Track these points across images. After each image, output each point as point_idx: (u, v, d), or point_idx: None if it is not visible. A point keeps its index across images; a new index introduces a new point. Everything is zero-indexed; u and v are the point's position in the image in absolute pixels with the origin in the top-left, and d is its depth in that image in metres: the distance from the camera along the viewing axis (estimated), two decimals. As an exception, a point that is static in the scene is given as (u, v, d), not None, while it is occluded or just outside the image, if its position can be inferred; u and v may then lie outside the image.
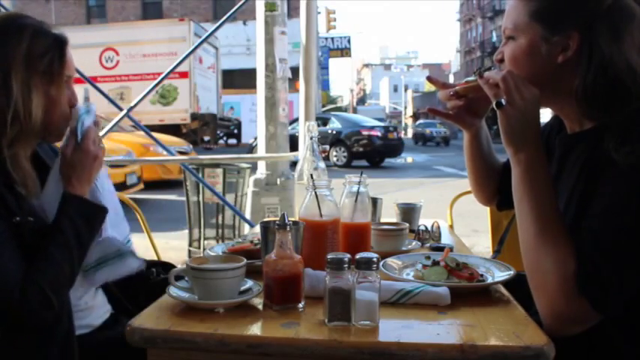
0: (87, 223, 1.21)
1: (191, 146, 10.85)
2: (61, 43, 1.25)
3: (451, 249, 1.38)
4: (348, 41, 30.56)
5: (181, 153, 9.10)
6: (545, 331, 0.95)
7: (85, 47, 13.97)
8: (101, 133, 4.90)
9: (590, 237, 0.98)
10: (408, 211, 1.83)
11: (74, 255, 1.18)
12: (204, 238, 4.31)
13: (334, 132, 14.48)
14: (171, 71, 4.44)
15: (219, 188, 4.20)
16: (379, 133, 14.33)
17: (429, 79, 1.48)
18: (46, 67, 1.21)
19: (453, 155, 19.54)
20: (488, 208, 2.16)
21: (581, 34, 1.06)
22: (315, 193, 1.25)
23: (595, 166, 1.03)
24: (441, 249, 1.49)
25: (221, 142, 18.22)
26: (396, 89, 76.44)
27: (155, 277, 1.62)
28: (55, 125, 1.26)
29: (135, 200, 2.77)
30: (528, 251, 1.04)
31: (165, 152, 5.09)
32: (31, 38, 1.19)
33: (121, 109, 4.48)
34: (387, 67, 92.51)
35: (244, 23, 22.01)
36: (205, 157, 4.92)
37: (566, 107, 1.16)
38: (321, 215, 1.25)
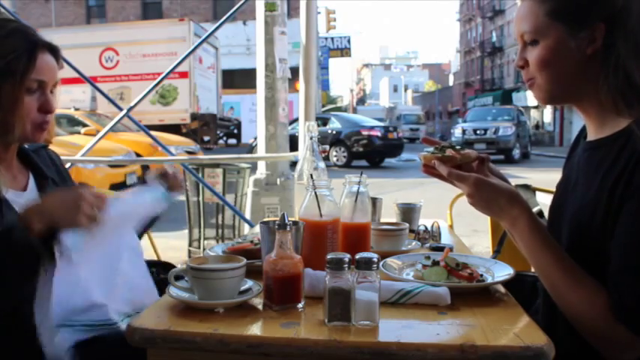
0: (14, 260, 1.06)
1: (198, 146, 10.83)
2: (34, 46, 1.22)
3: (451, 249, 1.38)
4: (348, 41, 30.53)
5: (189, 153, 9.11)
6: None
7: (85, 47, 14.00)
8: (101, 133, 4.88)
9: (619, 262, 0.97)
10: (408, 211, 1.83)
11: None
12: (204, 238, 4.31)
13: (334, 132, 14.47)
14: (171, 71, 4.45)
15: (219, 188, 4.20)
16: (379, 133, 14.32)
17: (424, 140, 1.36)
18: (6, 65, 1.18)
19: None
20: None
21: (606, 24, 1.04)
22: (315, 193, 1.25)
23: (620, 175, 1.00)
24: (441, 249, 1.49)
25: (221, 142, 18.21)
26: (395, 89, 76.43)
27: (155, 277, 1.62)
28: (11, 125, 1.21)
29: (135, 200, 2.76)
30: (556, 299, 1.07)
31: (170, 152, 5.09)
32: (2, 38, 1.18)
33: (120, 109, 4.49)
34: (387, 67, 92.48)
35: (244, 23, 22.03)
36: (205, 157, 4.91)
37: (590, 106, 1.13)
38: (321, 215, 1.25)
